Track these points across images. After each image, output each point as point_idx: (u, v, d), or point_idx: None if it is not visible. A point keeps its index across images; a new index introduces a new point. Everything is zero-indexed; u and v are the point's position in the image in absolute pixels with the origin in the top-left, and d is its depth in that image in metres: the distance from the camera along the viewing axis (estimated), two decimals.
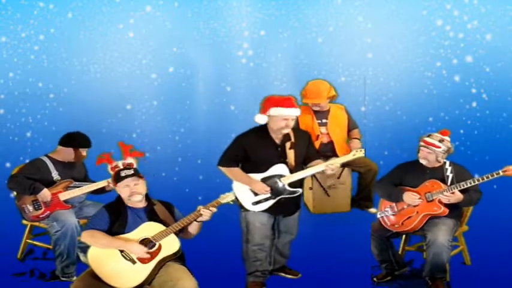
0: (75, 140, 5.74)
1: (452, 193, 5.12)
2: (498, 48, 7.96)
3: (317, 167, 5.13)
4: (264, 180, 5.09)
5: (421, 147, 5.28)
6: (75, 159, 5.74)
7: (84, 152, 5.76)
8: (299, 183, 5.19)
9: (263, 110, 5.11)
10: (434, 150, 5.22)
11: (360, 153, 5.21)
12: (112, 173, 4.70)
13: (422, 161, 5.28)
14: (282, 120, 5.02)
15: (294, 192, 5.12)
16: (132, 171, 4.64)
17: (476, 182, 5.12)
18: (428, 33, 8.03)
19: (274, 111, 5.02)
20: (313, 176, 6.67)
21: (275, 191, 5.09)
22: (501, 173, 5.09)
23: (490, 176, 5.08)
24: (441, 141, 5.24)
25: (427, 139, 5.27)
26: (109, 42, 8.13)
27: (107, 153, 4.84)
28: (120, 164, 4.72)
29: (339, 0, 8.07)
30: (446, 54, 8.03)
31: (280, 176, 5.10)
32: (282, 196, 5.11)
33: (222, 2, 8.10)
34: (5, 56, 8.04)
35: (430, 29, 8.03)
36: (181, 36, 8.12)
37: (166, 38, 8.12)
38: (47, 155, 5.76)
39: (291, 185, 5.11)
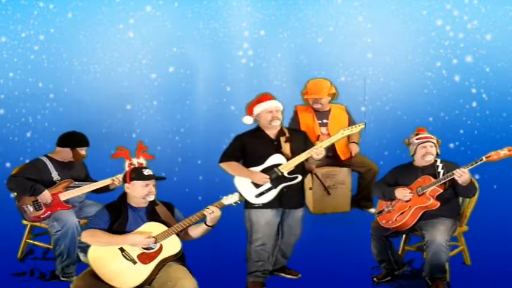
0: (71, 139, 5.74)
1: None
2: (498, 48, 7.96)
3: (305, 153, 5.22)
4: (263, 171, 5.20)
5: (423, 145, 5.30)
6: (74, 159, 5.74)
7: (82, 151, 5.75)
8: (299, 172, 5.25)
9: (249, 113, 5.37)
10: (434, 143, 5.33)
11: (348, 132, 5.41)
12: (128, 169, 4.71)
13: (428, 158, 5.29)
14: (267, 113, 5.26)
15: (294, 178, 5.20)
16: (152, 172, 4.66)
17: None
18: (428, 33, 8.03)
19: (257, 108, 5.29)
20: (315, 174, 6.69)
21: (275, 180, 5.18)
22: (484, 159, 5.13)
23: (474, 163, 5.12)
24: (430, 133, 5.38)
25: (423, 135, 5.34)
26: (109, 42, 8.13)
27: (124, 148, 4.86)
28: (134, 162, 4.74)
29: (339, 0, 8.07)
30: (446, 54, 8.03)
31: (278, 165, 5.19)
32: (283, 185, 5.18)
33: (222, 2, 8.10)
34: (5, 56, 8.04)
35: (430, 29, 8.03)
36: (181, 36, 8.12)
37: (166, 38, 8.12)
38: (46, 155, 5.75)
39: (289, 174, 5.21)
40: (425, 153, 5.30)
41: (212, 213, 4.54)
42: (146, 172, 4.64)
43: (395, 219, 5.28)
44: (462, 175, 5.10)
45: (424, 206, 5.23)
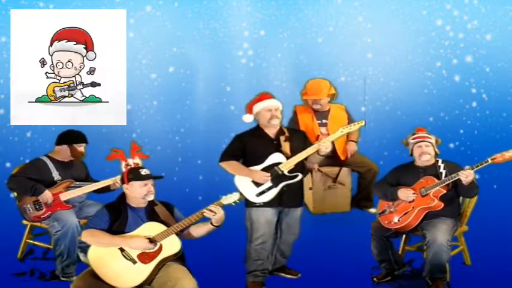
0: (68, 136, 5.75)
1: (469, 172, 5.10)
2: (498, 48, 7.96)
3: (310, 148, 5.22)
4: (263, 170, 5.20)
5: (418, 144, 5.31)
6: (72, 157, 5.73)
7: (80, 147, 5.74)
8: (299, 171, 5.25)
9: (248, 112, 5.39)
10: (431, 142, 5.31)
11: (347, 129, 5.36)
12: (125, 170, 4.71)
13: (424, 158, 5.29)
14: (266, 111, 5.28)
15: (294, 176, 5.20)
16: (149, 171, 4.66)
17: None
18: (428, 33, 8.03)
19: (256, 107, 5.31)
20: (319, 170, 6.69)
21: (275, 179, 5.18)
22: (490, 161, 5.12)
23: (479, 164, 5.11)
24: (428, 133, 5.37)
25: (419, 134, 5.34)
26: None
27: (119, 149, 4.86)
28: (130, 162, 4.74)
29: (339, 0, 8.07)
30: (446, 54, 8.03)
31: (278, 164, 5.20)
32: (284, 183, 5.18)
33: (222, 2, 8.09)
34: (5, 56, 8.03)
35: (430, 29, 8.03)
36: (181, 36, 8.11)
37: (166, 38, 8.11)
38: (47, 155, 5.76)
39: (290, 172, 5.21)
40: (421, 153, 5.30)
41: (214, 214, 4.53)
42: (143, 172, 4.63)
43: (399, 220, 5.27)
44: (468, 176, 5.09)
45: (428, 207, 5.22)
